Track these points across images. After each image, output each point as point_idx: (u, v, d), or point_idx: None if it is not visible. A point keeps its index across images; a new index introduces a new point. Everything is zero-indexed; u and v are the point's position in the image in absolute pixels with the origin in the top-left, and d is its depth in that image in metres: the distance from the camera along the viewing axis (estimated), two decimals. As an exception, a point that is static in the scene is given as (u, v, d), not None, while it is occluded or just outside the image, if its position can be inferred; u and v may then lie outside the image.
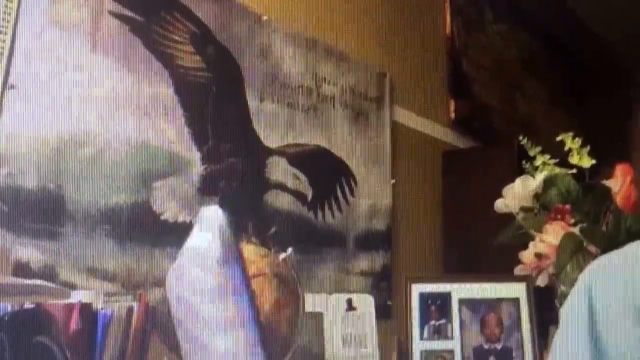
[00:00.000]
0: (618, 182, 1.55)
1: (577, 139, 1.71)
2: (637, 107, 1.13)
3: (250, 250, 1.45)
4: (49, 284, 1.35)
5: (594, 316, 0.98)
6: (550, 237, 1.60)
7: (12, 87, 1.58)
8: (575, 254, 1.53)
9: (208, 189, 1.97)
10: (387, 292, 2.52)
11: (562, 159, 1.72)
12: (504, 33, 3.82)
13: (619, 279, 0.99)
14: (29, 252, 1.56)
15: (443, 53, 3.24)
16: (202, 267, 1.35)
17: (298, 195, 2.25)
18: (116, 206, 1.74)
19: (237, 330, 1.31)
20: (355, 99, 2.56)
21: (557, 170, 1.72)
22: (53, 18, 1.69)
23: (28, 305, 1.27)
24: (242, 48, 2.14)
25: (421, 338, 1.75)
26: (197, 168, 1.96)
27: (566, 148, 1.71)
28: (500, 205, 1.72)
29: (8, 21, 1.60)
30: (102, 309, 1.40)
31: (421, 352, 1.74)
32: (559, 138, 1.71)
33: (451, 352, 1.74)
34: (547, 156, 1.74)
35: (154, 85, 1.88)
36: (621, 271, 1.01)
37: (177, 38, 1.96)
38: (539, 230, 1.63)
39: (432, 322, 1.76)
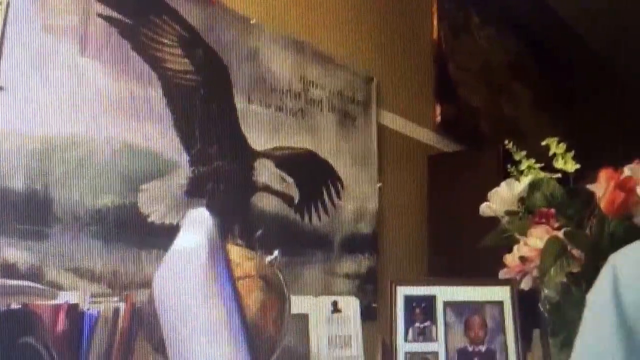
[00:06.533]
0: (602, 187, 1.56)
1: (561, 143, 1.71)
2: None
3: (236, 252, 1.45)
4: (36, 285, 1.35)
5: (623, 311, 0.92)
6: (535, 240, 1.60)
7: (0, 89, 1.58)
8: (559, 257, 1.54)
9: (195, 191, 1.98)
10: (372, 294, 2.53)
11: (548, 163, 1.73)
12: (491, 37, 3.83)
13: None
14: (16, 252, 1.56)
15: (429, 57, 3.25)
16: (189, 268, 1.35)
17: (285, 197, 2.26)
18: (103, 208, 1.75)
19: (223, 331, 1.31)
20: (343, 102, 2.57)
21: (542, 174, 1.73)
22: (41, 20, 1.69)
23: (15, 305, 1.27)
24: (230, 51, 2.15)
25: (406, 340, 1.76)
26: (185, 170, 1.96)
27: (551, 153, 1.71)
28: (485, 208, 1.73)
29: (-4, 22, 1.60)
30: (88, 309, 1.40)
31: (405, 354, 1.75)
32: (544, 143, 1.72)
33: (435, 354, 1.75)
34: (533, 160, 1.75)
35: (143, 87, 1.88)
36: None
37: (165, 41, 1.96)
38: (524, 233, 1.64)
39: (417, 324, 1.77)
